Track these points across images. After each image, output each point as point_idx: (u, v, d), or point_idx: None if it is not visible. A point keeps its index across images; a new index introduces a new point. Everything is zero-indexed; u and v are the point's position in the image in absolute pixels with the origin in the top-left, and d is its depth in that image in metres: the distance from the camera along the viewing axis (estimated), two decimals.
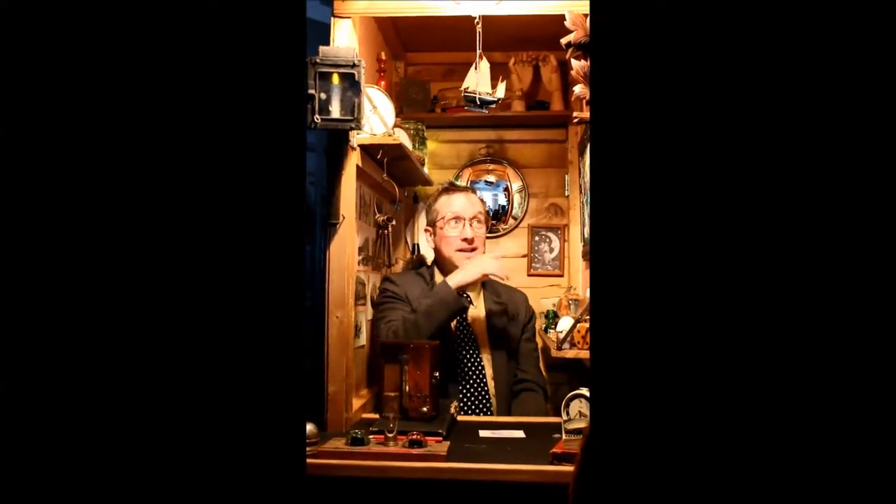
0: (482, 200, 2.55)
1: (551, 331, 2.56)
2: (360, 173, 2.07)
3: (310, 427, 1.65)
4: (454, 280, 2.20)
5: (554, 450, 1.59)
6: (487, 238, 2.65)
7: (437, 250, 2.48)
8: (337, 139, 1.98)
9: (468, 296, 2.36)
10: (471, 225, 2.39)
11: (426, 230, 2.53)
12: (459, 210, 2.40)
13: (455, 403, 2.07)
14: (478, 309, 2.42)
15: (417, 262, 2.90)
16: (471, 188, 2.61)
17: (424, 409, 1.89)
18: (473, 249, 2.38)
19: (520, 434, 1.90)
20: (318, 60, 1.82)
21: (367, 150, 2.12)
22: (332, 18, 1.99)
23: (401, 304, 2.30)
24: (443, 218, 2.42)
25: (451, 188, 2.50)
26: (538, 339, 2.62)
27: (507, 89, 2.82)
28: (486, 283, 2.46)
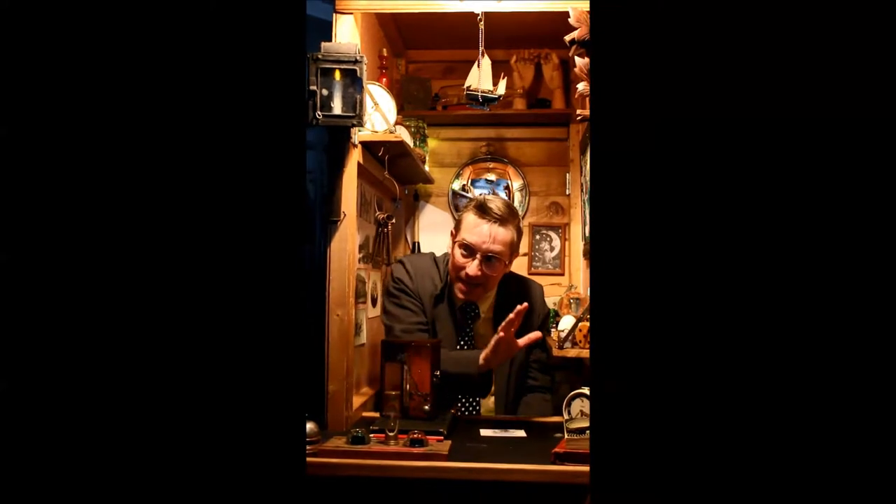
0: (516, 229, 2.19)
1: (553, 330, 2.55)
2: (361, 171, 2.06)
3: (310, 426, 1.64)
4: (485, 360, 2.02)
5: (556, 449, 1.58)
6: None
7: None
8: (338, 136, 1.97)
9: (477, 308, 2.25)
10: (482, 261, 2.13)
11: (451, 232, 2.28)
12: (475, 241, 2.12)
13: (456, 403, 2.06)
14: (485, 325, 2.28)
15: None
16: (506, 217, 2.15)
17: (425, 407, 1.88)
18: (476, 285, 2.18)
19: (521, 433, 1.89)
20: (319, 56, 1.80)
21: (368, 148, 2.11)
22: (334, 14, 1.98)
23: (411, 304, 2.20)
24: (458, 237, 2.19)
25: (483, 210, 2.14)
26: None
27: (509, 87, 2.80)
28: (500, 292, 2.28)
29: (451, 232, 2.27)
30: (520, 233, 2.24)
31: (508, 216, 2.16)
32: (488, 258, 2.12)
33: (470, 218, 2.16)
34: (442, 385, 1.96)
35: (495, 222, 2.12)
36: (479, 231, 2.12)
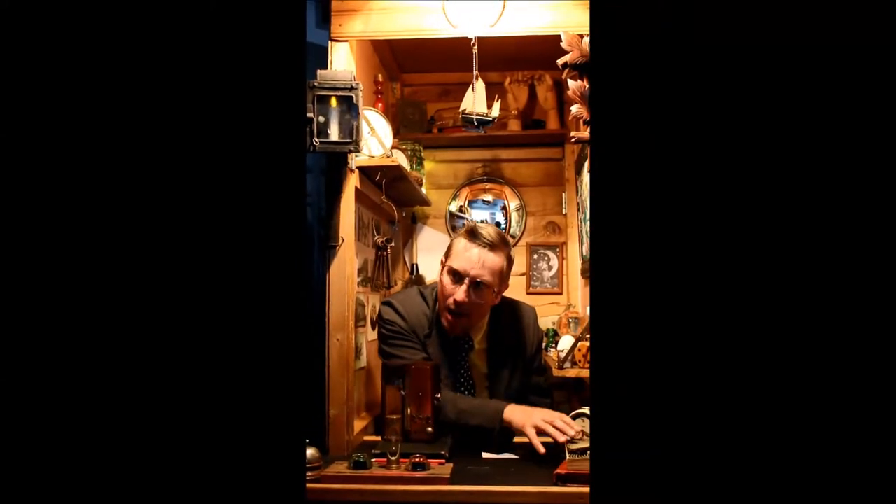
0: (506, 256, 2.12)
1: (552, 349, 2.55)
2: (359, 195, 2.08)
3: (311, 451, 1.64)
4: (507, 415, 1.92)
5: (557, 470, 1.58)
6: None
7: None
8: (335, 162, 1.99)
9: (471, 339, 2.20)
10: (469, 286, 2.05)
11: (441, 260, 2.20)
12: (462, 267, 2.05)
13: None
14: (479, 356, 2.22)
15: (416, 283, 2.88)
16: (496, 243, 2.08)
17: (427, 430, 1.88)
18: (462, 315, 2.09)
19: (523, 454, 1.89)
20: (316, 84, 1.83)
21: (366, 172, 2.12)
22: (330, 42, 2.00)
23: (411, 343, 2.12)
24: (447, 263, 2.12)
25: (473, 235, 2.08)
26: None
27: (503, 109, 2.83)
28: (492, 320, 2.22)
29: (441, 259, 2.19)
30: (510, 262, 2.17)
31: (499, 243, 2.10)
32: (476, 284, 2.06)
33: (460, 243, 2.10)
34: (456, 432, 1.93)
35: (485, 247, 2.06)
36: (467, 256, 2.06)
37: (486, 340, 2.21)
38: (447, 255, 2.15)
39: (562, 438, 1.74)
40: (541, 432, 1.81)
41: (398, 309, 2.16)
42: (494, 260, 2.06)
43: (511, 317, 2.25)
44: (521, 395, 2.20)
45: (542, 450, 1.77)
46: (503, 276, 2.13)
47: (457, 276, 2.06)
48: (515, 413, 1.91)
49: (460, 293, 2.04)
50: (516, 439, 2.00)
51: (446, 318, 2.11)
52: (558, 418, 1.81)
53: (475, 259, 2.04)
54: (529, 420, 1.85)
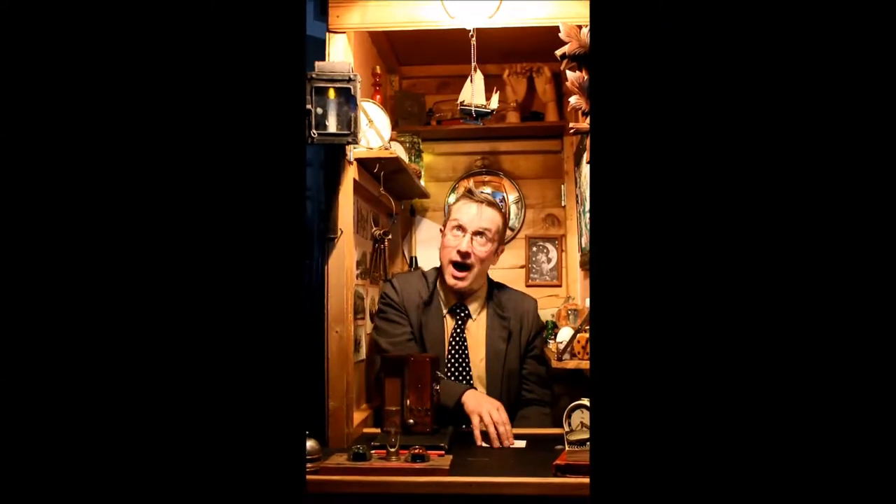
0: (502, 217, 2.38)
1: (551, 341, 2.55)
2: (357, 187, 2.07)
3: (311, 443, 1.64)
4: (465, 397, 2.04)
5: (557, 461, 1.58)
6: None
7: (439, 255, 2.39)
8: (333, 154, 1.99)
9: (467, 308, 2.31)
10: (472, 238, 2.26)
11: (440, 230, 2.43)
12: (464, 220, 2.28)
13: None
14: (477, 327, 2.33)
15: None
16: (493, 202, 2.36)
17: (426, 421, 1.89)
18: (467, 266, 2.26)
19: (522, 446, 1.89)
20: (314, 76, 1.82)
21: (364, 164, 2.12)
22: (328, 33, 2.00)
23: (397, 317, 2.26)
24: (448, 223, 2.33)
25: (469, 195, 2.35)
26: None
27: (502, 101, 2.82)
28: (491, 297, 2.37)
29: (441, 229, 2.40)
30: (506, 223, 2.41)
31: (495, 202, 2.36)
32: (479, 234, 2.26)
33: (457, 203, 2.36)
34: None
35: (482, 203, 2.30)
36: (467, 210, 2.29)
37: (485, 316, 2.33)
38: (446, 218, 2.40)
39: (496, 444, 1.90)
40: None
41: (394, 284, 2.35)
42: (493, 214, 2.31)
43: (510, 298, 2.41)
44: (515, 379, 2.31)
45: (479, 439, 1.92)
46: (500, 233, 2.35)
47: (459, 230, 2.27)
48: (471, 398, 2.04)
49: (464, 243, 2.24)
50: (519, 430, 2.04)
51: (452, 274, 2.26)
52: (502, 424, 1.94)
53: (475, 212, 2.28)
54: (478, 408, 1.99)
